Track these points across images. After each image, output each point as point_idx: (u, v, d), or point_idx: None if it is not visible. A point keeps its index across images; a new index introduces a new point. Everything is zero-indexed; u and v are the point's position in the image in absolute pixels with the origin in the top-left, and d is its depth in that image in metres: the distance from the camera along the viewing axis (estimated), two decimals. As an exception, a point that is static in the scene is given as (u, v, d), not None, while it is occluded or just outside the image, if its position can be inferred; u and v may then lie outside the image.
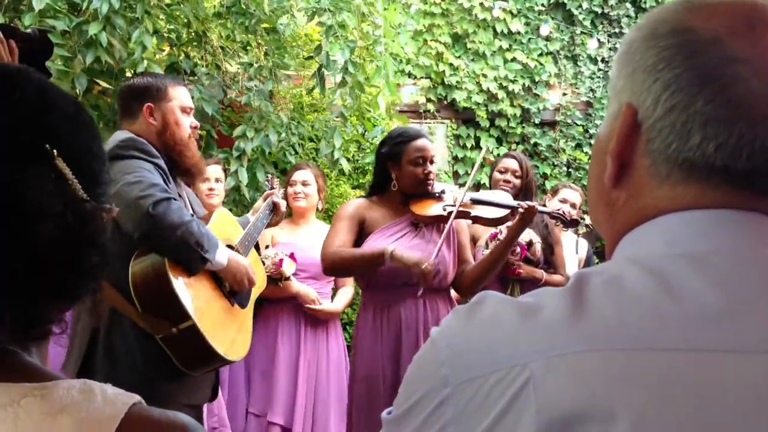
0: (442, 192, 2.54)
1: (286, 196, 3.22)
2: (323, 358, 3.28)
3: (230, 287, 2.21)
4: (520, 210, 2.44)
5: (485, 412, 0.50)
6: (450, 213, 2.47)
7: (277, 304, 3.26)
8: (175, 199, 1.97)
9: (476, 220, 2.57)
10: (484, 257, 2.59)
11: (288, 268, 3.15)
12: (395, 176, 2.51)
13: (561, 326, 0.50)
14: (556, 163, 5.72)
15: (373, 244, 2.44)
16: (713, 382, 0.47)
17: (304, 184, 3.33)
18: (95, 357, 1.99)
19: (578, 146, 5.75)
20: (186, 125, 2.17)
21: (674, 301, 0.50)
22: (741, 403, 0.47)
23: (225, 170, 3.43)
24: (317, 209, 3.46)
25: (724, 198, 0.55)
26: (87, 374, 1.97)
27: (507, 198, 2.67)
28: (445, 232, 2.45)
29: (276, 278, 3.13)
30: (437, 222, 2.53)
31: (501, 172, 3.17)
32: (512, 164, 3.18)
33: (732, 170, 0.54)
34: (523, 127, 5.69)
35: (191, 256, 2.00)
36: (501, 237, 2.93)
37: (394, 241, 2.44)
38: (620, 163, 0.59)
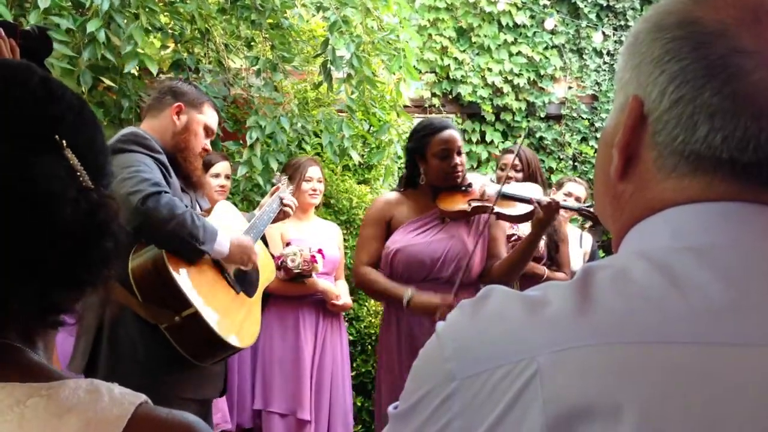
0: (470, 185, 2.45)
1: (300, 192, 3.20)
2: (338, 354, 3.30)
3: (235, 273, 2.22)
4: (538, 206, 2.33)
5: (491, 407, 0.50)
6: (474, 208, 2.39)
7: (297, 301, 3.22)
8: (167, 192, 1.98)
9: (499, 216, 2.46)
10: (507, 256, 2.49)
11: (320, 264, 3.14)
12: (423, 170, 2.45)
13: (567, 320, 0.50)
14: (561, 157, 5.70)
15: (397, 238, 2.42)
16: (720, 375, 0.47)
17: (320, 181, 3.33)
18: (100, 351, 2.00)
19: (584, 140, 5.73)
20: (201, 142, 2.23)
21: (680, 294, 0.50)
22: (748, 396, 0.47)
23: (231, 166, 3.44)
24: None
25: (731, 190, 0.55)
26: (92, 369, 1.99)
27: (537, 192, 2.49)
28: (481, 229, 2.36)
29: (306, 275, 3.11)
30: (461, 217, 2.44)
31: (502, 169, 3.15)
32: (510, 159, 3.15)
33: (738, 163, 0.53)
34: (529, 121, 5.68)
35: (185, 247, 2.00)
36: (518, 236, 2.90)
37: (416, 236, 2.41)
38: (626, 156, 0.59)
